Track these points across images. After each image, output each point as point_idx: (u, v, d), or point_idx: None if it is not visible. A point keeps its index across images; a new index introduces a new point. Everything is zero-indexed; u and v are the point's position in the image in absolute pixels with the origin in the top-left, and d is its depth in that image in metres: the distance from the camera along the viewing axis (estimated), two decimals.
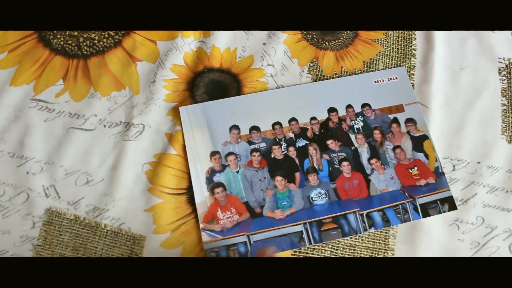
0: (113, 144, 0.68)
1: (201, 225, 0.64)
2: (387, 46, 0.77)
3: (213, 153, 0.68)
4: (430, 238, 0.65)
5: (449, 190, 0.67)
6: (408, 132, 0.70)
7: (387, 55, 0.76)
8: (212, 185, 0.66)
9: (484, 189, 0.68)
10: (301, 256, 0.63)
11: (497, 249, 0.65)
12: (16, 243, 0.63)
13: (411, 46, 0.77)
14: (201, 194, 0.65)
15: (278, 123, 0.70)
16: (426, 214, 0.65)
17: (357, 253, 0.64)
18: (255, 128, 0.69)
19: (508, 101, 0.74)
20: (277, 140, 0.69)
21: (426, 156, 0.69)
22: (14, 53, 0.74)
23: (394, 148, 0.69)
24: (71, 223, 0.64)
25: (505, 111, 0.73)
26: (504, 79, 0.75)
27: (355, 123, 0.71)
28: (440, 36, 0.78)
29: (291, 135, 0.70)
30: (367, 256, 0.64)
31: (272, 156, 0.68)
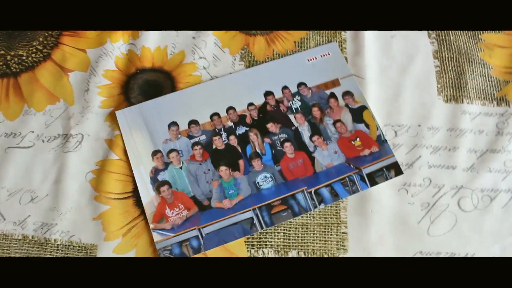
0: (53, 158, 0.67)
1: (151, 226, 0.63)
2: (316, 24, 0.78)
3: (155, 152, 0.67)
4: (381, 206, 0.66)
5: (393, 156, 0.68)
6: (347, 105, 0.71)
7: (317, 33, 0.77)
8: (157, 184, 0.65)
9: (428, 151, 0.69)
10: (254, 242, 0.64)
11: (447, 207, 0.66)
12: None
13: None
14: (148, 195, 0.65)
15: (216, 114, 0.70)
16: (374, 183, 0.66)
17: (310, 231, 0.65)
18: (193, 122, 0.69)
19: (440, 63, 0.75)
20: (217, 130, 0.69)
21: (367, 126, 0.70)
22: None
23: (334, 123, 0.70)
24: (20, 243, 0.63)
25: (438, 72, 0.74)
26: (434, 42, 0.77)
27: (292, 103, 0.71)
28: None
29: (230, 123, 0.70)
30: (321, 232, 0.64)
31: (214, 147, 0.68)
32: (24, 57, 0.73)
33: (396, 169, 0.67)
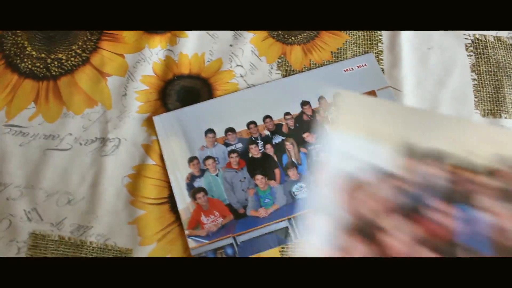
0: (90, 161, 0.68)
1: (186, 232, 0.64)
2: (353, 34, 0.78)
3: (191, 159, 0.68)
4: None
5: None
6: None
7: (353, 43, 0.77)
8: (193, 191, 0.66)
9: None
10: (289, 252, 0.63)
11: None
12: None
13: (376, 32, 0.78)
14: (183, 201, 0.65)
15: (252, 122, 0.70)
16: None
17: None
18: (230, 130, 0.69)
19: (478, 76, 0.75)
20: (253, 139, 0.69)
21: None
22: None
23: None
24: (56, 244, 0.64)
25: (476, 85, 0.74)
26: (472, 55, 0.76)
27: (329, 114, 0.71)
28: None
29: (267, 132, 0.70)
30: None
31: (250, 155, 0.69)
32: (63, 61, 0.75)
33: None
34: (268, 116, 0.70)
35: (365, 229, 0.37)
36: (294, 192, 0.66)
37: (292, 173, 0.67)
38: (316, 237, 0.37)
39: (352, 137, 0.40)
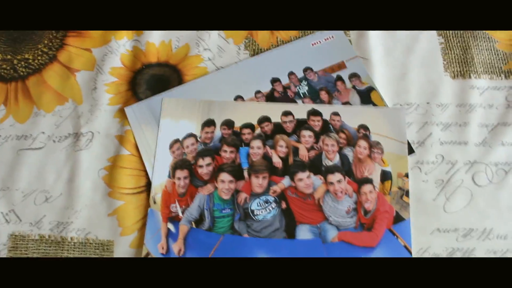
0: (65, 157, 0.68)
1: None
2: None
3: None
4: None
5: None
6: (354, 87, 0.71)
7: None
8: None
9: (438, 127, 0.69)
10: None
11: (461, 183, 0.65)
12: None
13: None
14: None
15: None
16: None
17: None
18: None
19: (445, 39, 0.75)
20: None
21: (376, 106, 0.70)
22: None
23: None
24: (37, 244, 0.63)
25: (443, 48, 0.74)
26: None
27: (300, 88, 0.71)
28: None
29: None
30: None
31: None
32: (30, 60, 0.74)
33: (408, 147, 0.67)
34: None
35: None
36: None
37: None
38: None
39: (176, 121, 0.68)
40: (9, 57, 0.74)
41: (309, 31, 0.76)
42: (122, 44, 0.75)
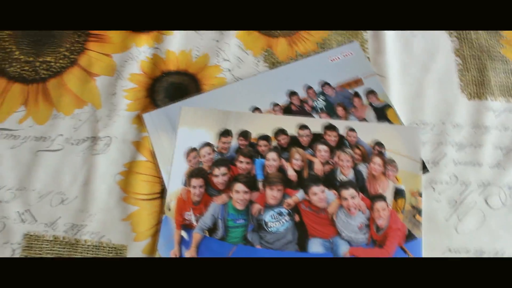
0: (82, 161, 0.68)
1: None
2: None
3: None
4: None
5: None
6: (370, 104, 0.72)
7: (338, 33, 0.78)
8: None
9: (453, 148, 0.69)
10: None
11: (475, 204, 0.66)
12: None
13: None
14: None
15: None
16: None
17: None
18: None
19: (462, 60, 0.76)
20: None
21: (391, 123, 0.70)
22: None
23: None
24: (51, 244, 0.64)
25: (461, 69, 0.75)
26: (455, 40, 0.77)
27: (317, 103, 0.72)
28: None
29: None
30: None
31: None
32: (52, 63, 0.75)
33: (421, 166, 0.67)
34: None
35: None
36: None
37: None
38: None
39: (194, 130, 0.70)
40: (31, 59, 0.76)
41: (327, 48, 0.77)
42: (142, 51, 0.76)
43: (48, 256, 0.63)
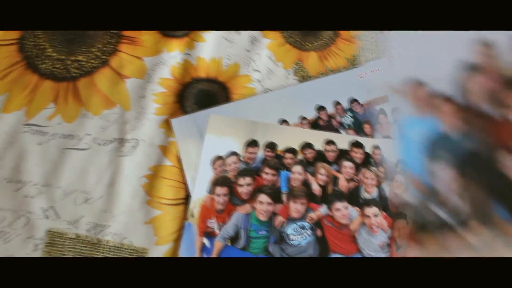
0: (108, 161, 0.69)
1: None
2: (367, 41, 0.79)
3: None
4: None
5: None
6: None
7: (368, 49, 0.78)
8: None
9: None
10: None
11: None
12: None
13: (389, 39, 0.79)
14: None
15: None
16: None
17: None
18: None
19: None
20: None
21: None
22: (3, 82, 0.74)
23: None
24: (74, 242, 0.64)
25: None
26: None
27: (345, 119, 0.72)
28: None
29: None
30: None
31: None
32: (83, 62, 0.76)
33: None
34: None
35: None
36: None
37: None
38: None
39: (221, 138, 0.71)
40: (63, 57, 0.76)
41: (357, 63, 0.77)
42: (173, 56, 0.77)
43: (70, 253, 0.64)
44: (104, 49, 0.77)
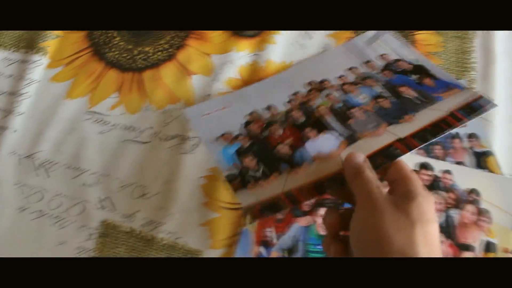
0: (168, 157, 0.68)
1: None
2: (446, 59, 0.75)
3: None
4: None
5: None
6: (471, 148, 0.68)
7: (446, 68, 0.74)
8: None
9: None
10: None
11: None
12: (71, 254, 0.63)
13: (470, 59, 0.75)
14: None
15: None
16: None
17: None
18: None
19: None
20: None
21: (491, 172, 0.66)
22: (70, 67, 0.75)
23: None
24: (127, 236, 0.64)
25: None
26: None
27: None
28: (500, 48, 0.75)
29: None
30: None
31: None
32: (150, 54, 0.75)
33: None
34: None
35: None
36: None
37: None
38: None
39: None
40: (130, 46, 0.76)
41: None
42: (242, 56, 0.75)
43: (123, 246, 0.63)
44: (172, 42, 0.76)
